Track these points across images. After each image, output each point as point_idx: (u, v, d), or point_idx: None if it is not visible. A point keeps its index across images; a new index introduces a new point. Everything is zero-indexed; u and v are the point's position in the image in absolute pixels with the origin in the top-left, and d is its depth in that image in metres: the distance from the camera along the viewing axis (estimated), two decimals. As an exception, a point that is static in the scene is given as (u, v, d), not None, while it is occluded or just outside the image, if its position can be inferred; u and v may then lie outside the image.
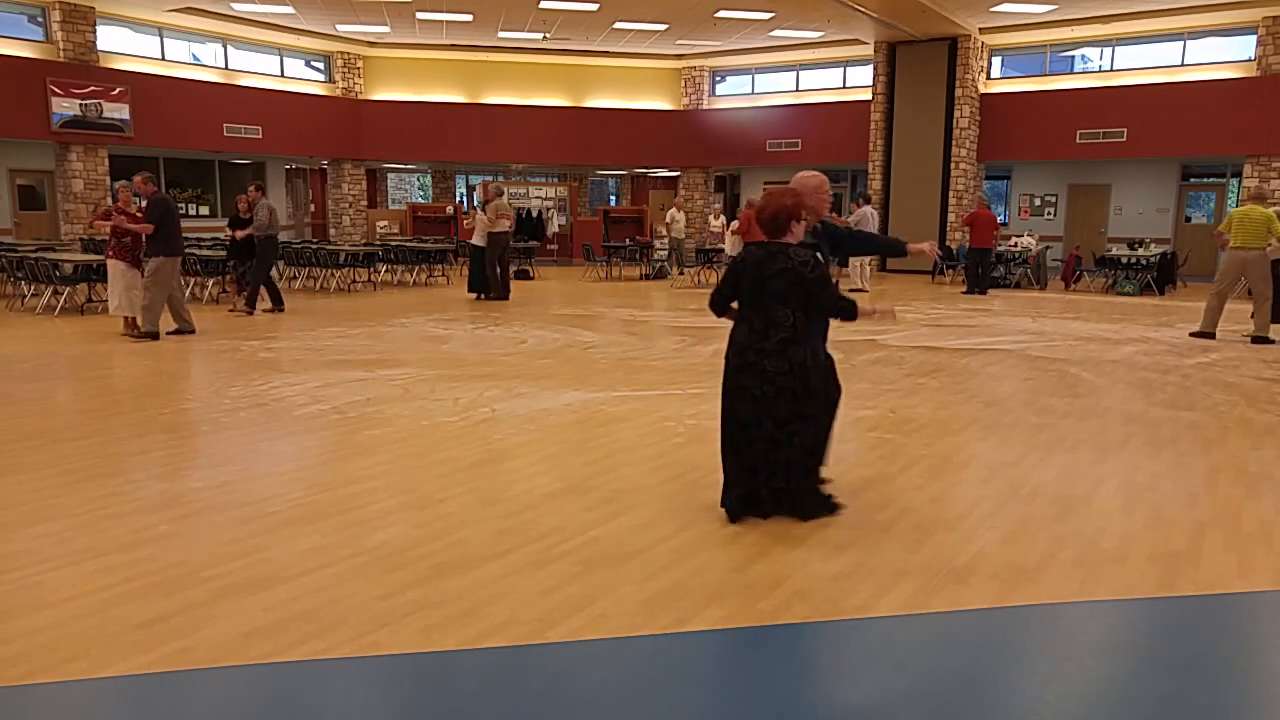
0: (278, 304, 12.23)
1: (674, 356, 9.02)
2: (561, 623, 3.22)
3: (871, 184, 20.89)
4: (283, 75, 22.27)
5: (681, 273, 18.96)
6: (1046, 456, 5.45)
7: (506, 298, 14.06)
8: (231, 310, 12.23)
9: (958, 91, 19.66)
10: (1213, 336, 10.28)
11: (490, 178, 25.64)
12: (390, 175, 28.35)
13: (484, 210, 14.04)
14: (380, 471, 5.03)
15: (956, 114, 19.77)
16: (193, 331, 10.01)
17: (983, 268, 16.11)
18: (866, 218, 15.66)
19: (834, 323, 4.30)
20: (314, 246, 16.63)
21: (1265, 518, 4.42)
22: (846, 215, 18.76)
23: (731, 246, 15.22)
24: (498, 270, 14.01)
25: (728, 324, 4.30)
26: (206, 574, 3.60)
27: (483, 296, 14.07)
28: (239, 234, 12.08)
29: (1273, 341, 10.01)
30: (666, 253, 19.21)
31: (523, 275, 18.49)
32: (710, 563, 3.78)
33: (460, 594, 3.44)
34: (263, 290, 12.08)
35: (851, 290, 15.67)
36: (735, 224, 14.85)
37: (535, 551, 3.88)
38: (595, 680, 2.89)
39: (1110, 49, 19.66)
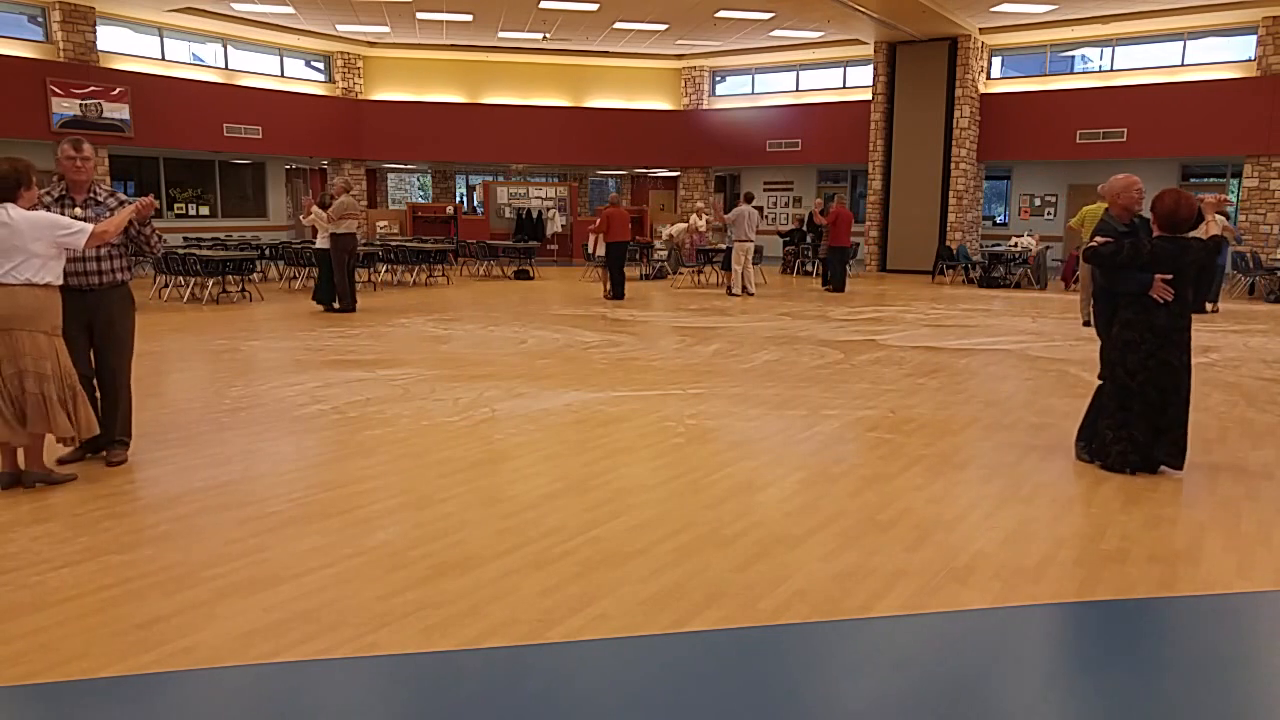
0: None
1: (674, 356, 9.02)
2: (561, 623, 3.22)
3: (871, 184, 20.88)
4: (283, 75, 22.27)
5: (682, 273, 18.96)
6: (1047, 456, 5.45)
7: (353, 309, 12.20)
8: None
9: (958, 91, 19.65)
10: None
11: (491, 178, 25.67)
12: (390, 175, 28.34)
13: (322, 207, 12.38)
14: (380, 471, 5.03)
15: (956, 114, 19.77)
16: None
17: (841, 266, 16.34)
18: (744, 216, 14.68)
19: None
20: (314, 247, 16.58)
21: (1265, 518, 4.42)
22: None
23: (593, 245, 14.82)
24: (346, 279, 12.19)
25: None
26: (206, 574, 3.60)
27: (329, 308, 12.34)
28: None
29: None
30: (666, 253, 19.21)
31: (522, 275, 18.49)
32: (710, 563, 3.78)
33: (460, 594, 3.44)
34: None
35: (730, 293, 15.29)
36: (596, 222, 14.42)
37: (535, 551, 3.88)
38: (595, 680, 2.89)
39: (1110, 49, 19.65)
